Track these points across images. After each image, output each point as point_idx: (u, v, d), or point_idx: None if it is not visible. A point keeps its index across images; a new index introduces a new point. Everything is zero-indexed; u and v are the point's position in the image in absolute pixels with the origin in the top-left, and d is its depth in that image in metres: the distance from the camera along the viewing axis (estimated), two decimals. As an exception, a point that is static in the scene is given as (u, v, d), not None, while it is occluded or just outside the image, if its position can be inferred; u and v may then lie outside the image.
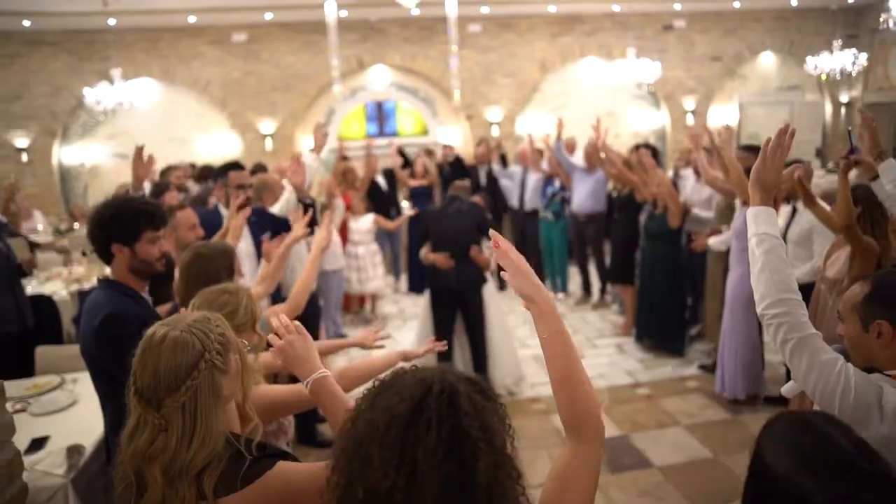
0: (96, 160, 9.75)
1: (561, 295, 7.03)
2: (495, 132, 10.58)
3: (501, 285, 7.34)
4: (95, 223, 2.22)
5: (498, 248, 1.24)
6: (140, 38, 9.41)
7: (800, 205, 3.77)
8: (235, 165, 3.96)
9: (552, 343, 1.16)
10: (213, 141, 10.14)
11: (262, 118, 10.11)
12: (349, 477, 0.90)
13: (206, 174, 6.90)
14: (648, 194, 5.41)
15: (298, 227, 3.01)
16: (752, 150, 4.86)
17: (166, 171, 5.82)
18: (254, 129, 10.12)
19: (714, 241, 4.61)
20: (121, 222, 2.20)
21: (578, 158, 7.57)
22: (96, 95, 8.17)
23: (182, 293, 2.26)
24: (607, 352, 5.37)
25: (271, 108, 10.11)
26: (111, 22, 8.63)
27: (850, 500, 0.95)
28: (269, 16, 9.25)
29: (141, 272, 2.26)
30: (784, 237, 3.85)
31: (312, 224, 3.93)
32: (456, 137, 10.57)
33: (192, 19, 9.04)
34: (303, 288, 2.72)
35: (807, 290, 3.79)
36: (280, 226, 3.95)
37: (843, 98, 11.70)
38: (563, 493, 1.06)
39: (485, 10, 9.78)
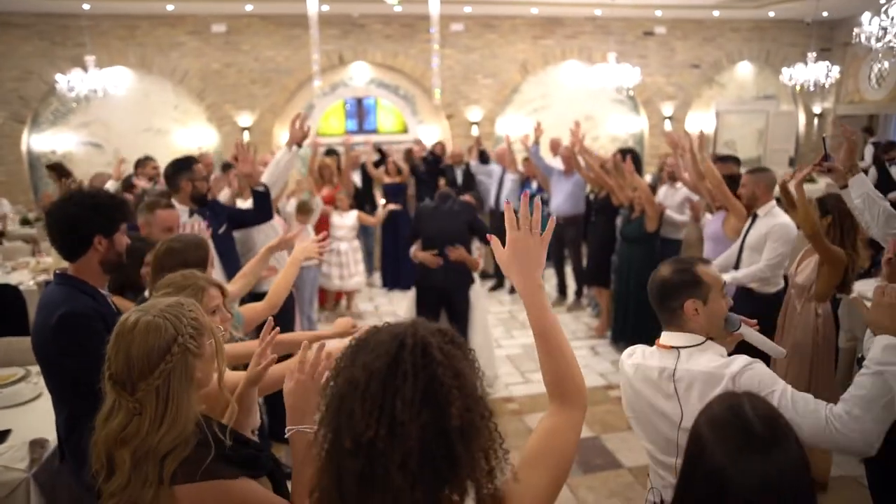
0: (68, 148, 9.54)
1: None
2: (475, 132, 10.60)
3: (497, 284, 7.38)
4: (79, 215, 2.14)
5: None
6: (116, 25, 9.22)
7: (760, 211, 3.83)
8: (193, 160, 3.86)
9: (543, 322, 1.29)
10: (189, 133, 9.99)
11: (241, 111, 9.99)
12: (335, 429, 0.96)
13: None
14: (624, 198, 5.45)
15: (289, 241, 3.00)
16: (730, 159, 4.92)
17: (141, 163, 5.71)
18: (231, 122, 9.99)
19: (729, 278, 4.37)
20: (104, 212, 2.18)
21: (558, 161, 7.63)
22: (69, 82, 7.98)
23: (152, 285, 2.23)
24: (581, 353, 5.40)
25: (250, 102, 9.99)
26: (86, 7, 8.44)
27: (736, 457, 1.05)
28: (249, 7, 9.13)
29: (111, 264, 2.23)
30: (742, 243, 3.94)
31: (267, 211, 3.92)
32: (436, 136, 10.56)
33: (170, 7, 8.89)
34: (281, 288, 2.67)
35: (751, 293, 3.86)
36: (238, 220, 3.94)
37: (817, 109, 11.95)
38: (544, 450, 1.14)
39: (467, 9, 9.79)
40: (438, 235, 4.45)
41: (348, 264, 6.18)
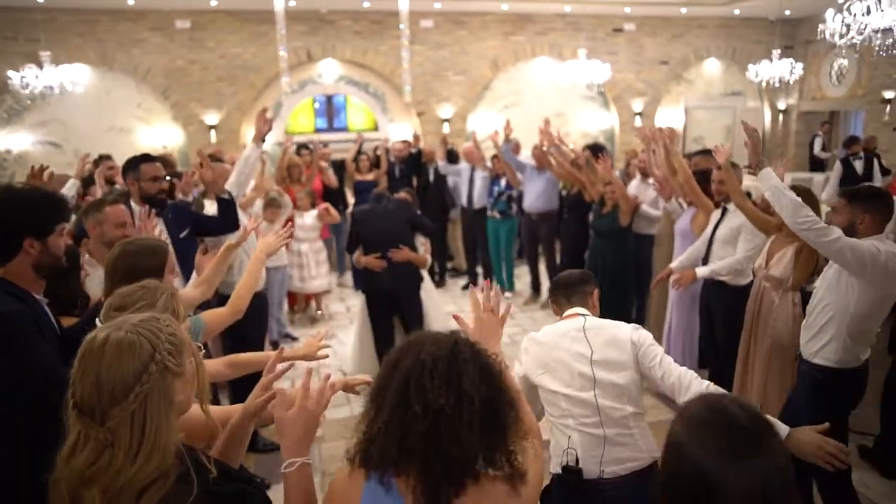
0: (23, 147, 9.20)
1: (508, 294, 7.02)
2: (446, 129, 10.53)
3: (439, 282, 7.31)
4: (7, 216, 2.00)
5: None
6: (75, 20, 8.92)
7: (730, 206, 3.84)
8: (147, 157, 3.68)
9: None
10: (154, 132, 9.72)
11: (207, 109, 9.76)
12: (404, 399, 1.19)
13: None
14: (595, 193, 5.44)
15: (247, 235, 2.87)
16: (706, 153, 4.92)
17: (99, 161, 5.50)
18: (198, 121, 9.76)
19: (701, 271, 4.16)
20: (36, 213, 2.02)
21: (527, 156, 7.60)
22: (23, 79, 7.68)
23: (107, 291, 2.08)
24: None
25: (216, 100, 9.77)
26: (40, 0, 8.14)
27: (725, 464, 1.03)
28: (214, 2, 8.92)
29: (46, 268, 2.07)
30: (712, 237, 3.96)
31: (232, 219, 3.72)
32: (407, 134, 10.46)
33: (131, 2, 8.62)
34: (245, 291, 2.50)
35: (724, 286, 3.88)
36: (201, 228, 3.77)
37: (781, 105, 12.17)
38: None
39: (437, 5, 9.71)
40: (379, 237, 4.30)
41: (309, 266, 5.98)
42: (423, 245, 4.56)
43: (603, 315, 5.26)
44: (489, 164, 6.98)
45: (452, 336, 1.30)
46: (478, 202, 7.05)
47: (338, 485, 1.32)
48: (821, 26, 6.02)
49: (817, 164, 11.69)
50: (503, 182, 6.71)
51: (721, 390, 1.75)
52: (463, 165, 7.53)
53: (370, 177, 7.50)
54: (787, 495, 1.04)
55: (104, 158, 5.63)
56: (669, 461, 1.13)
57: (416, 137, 8.92)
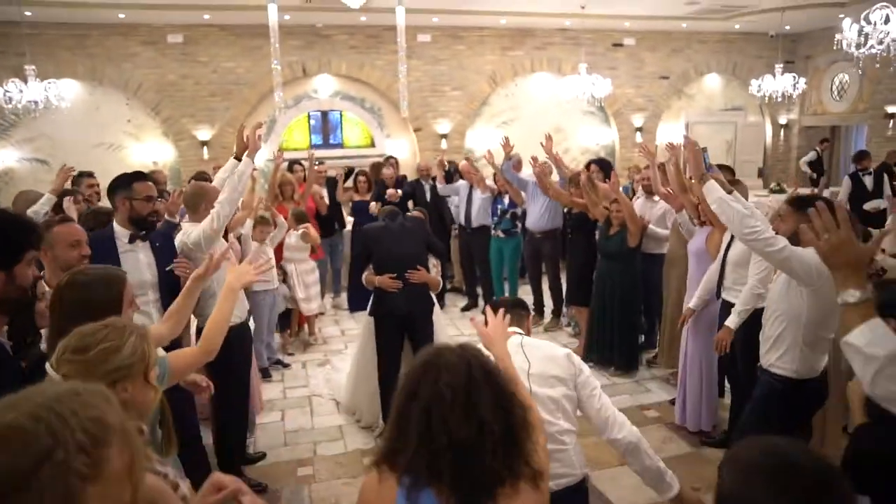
0: (9, 164, 8.96)
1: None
2: (444, 146, 10.34)
3: (440, 303, 7.01)
4: None
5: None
6: (64, 34, 8.72)
7: None
8: (140, 175, 3.43)
9: None
10: (145, 148, 9.50)
11: (199, 125, 9.55)
12: (427, 430, 1.28)
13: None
14: (599, 214, 5.22)
15: (217, 264, 2.49)
16: (723, 168, 4.69)
17: (78, 179, 5.25)
18: (189, 137, 9.54)
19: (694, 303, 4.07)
20: (3, 241, 1.78)
21: (529, 174, 7.38)
22: (6, 93, 7.44)
23: (53, 329, 1.80)
24: None
25: (209, 115, 9.56)
26: (28, 14, 7.94)
27: None
28: (207, 16, 8.74)
29: (10, 303, 1.83)
30: (724, 260, 3.73)
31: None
32: (404, 150, 10.28)
33: (121, 16, 8.44)
34: (216, 327, 2.19)
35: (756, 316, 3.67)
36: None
37: (782, 120, 12.03)
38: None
39: (435, 19, 9.56)
40: (395, 257, 4.01)
41: (295, 287, 5.69)
42: (434, 267, 4.32)
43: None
44: (491, 182, 6.72)
45: (464, 357, 1.38)
46: (476, 221, 6.81)
47: (370, 488, 1.41)
48: (837, 36, 5.80)
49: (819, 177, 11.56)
50: (506, 200, 6.48)
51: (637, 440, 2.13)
52: (461, 183, 7.29)
53: (368, 197, 7.18)
54: None
55: (85, 175, 5.37)
56: None
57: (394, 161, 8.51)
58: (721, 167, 4.58)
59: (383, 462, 1.37)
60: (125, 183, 3.28)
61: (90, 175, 5.47)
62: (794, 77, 9.35)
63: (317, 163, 7.46)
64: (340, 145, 10.32)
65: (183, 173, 9.03)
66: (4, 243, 1.79)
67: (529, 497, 1.34)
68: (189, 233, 3.39)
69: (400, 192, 7.05)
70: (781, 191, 10.38)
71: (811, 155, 10.97)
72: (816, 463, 0.99)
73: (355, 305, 6.72)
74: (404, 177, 7.58)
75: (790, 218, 2.76)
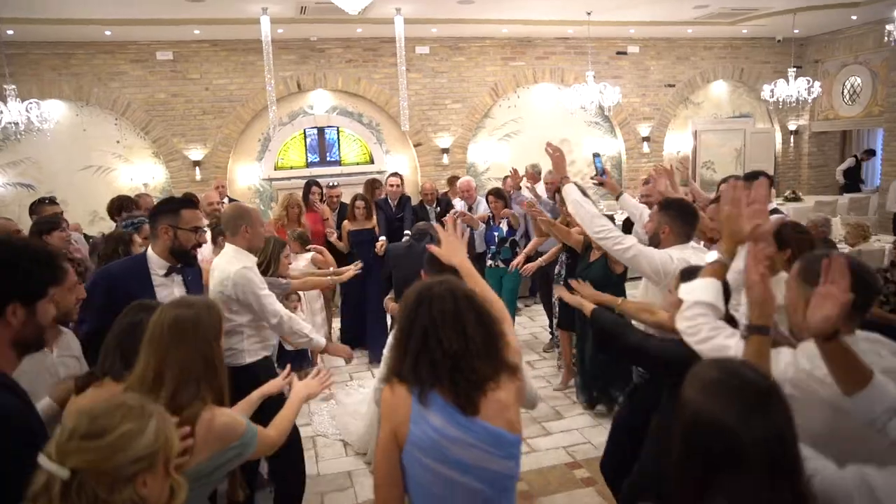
0: (-6, 191, 8.57)
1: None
2: (445, 160, 9.98)
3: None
4: None
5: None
6: (48, 53, 8.36)
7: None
8: (189, 202, 3.09)
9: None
10: (135, 170, 9.11)
11: (191, 145, 9.17)
12: (426, 346, 1.67)
13: (122, 206, 5.95)
14: (575, 242, 4.62)
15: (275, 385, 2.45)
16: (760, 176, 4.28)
17: (34, 208, 4.85)
18: (181, 157, 9.16)
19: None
20: (27, 273, 1.56)
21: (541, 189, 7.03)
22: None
23: (149, 365, 1.79)
24: (543, 412, 4.63)
25: (201, 134, 9.19)
26: (10, 32, 7.57)
27: (746, 418, 1.12)
28: (197, 31, 8.39)
29: (27, 344, 1.60)
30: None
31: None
32: (404, 166, 9.91)
33: (108, 33, 8.08)
34: (283, 427, 2.17)
35: None
36: None
37: (792, 126, 11.70)
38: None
39: (434, 30, 9.23)
40: (415, 281, 3.63)
41: (299, 313, 5.25)
42: None
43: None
44: (518, 209, 5.85)
45: (450, 288, 1.73)
46: (479, 246, 6.34)
47: (387, 400, 1.70)
48: (888, 27, 5.44)
49: (852, 186, 11.30)
50: (504, 227, 5.88)
51: None
52: (459, 204, 6.83)
53: (369, 225, 6.35)
54: (795, 437, 1.17)
55: (45, 202, 4.92)
56: (686, 420, 1.18)
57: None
58: (754, 174, 4.17)
59: (394, 377, 1.71)
60: (172, 209, 2.98)
61: (51, 202, 5.06)
62: (808, 81, 9.03)
63: (330, 185, 7.05)
64: (338, 162, 9.95)
65: (174, 194, 8.63)
66: (27, 277, 1.56)
67: (510, 385, 1.71)
68: (262, 300, 3.10)
69: (384, 241, 6.11)
70: (796, 199, 10.03)
71: (850, 162, 10.64)
72: (761, 377, 1.19)
73: (347, 338, 6.20)
74: (408, 197, 7.05)
75: (654, 218, 2.94)
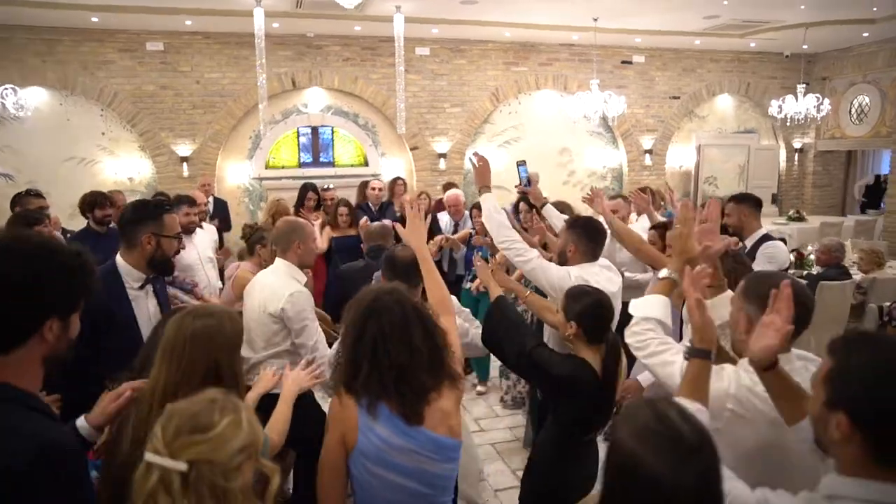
0: (-30, 180, 8.22)
1: (481, 387, 5.36)
2: (442, 166, 9.69)
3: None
4: (34, 281, 1.29)
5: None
6: (33, 38, 8.03)
7: (749, 240, 3.60)
8: (168, 205, 2.95)
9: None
10: (120, 164, 8.78)
11: (179, 139, 8.85)
12: (375, 358, 1.74)
13: (94, 203, 5.59)
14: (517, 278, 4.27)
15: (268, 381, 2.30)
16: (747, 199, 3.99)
17: (23, 198, 4.52)
18: (169, 152, 8.83)
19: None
20: (70, 283, 1.36)
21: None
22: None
23: (167, 375, 1.74)
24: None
25: (190, 129, 8.87)
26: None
27: (677, 468, 1.12)
28: (189, 22, 8.08)
29: (58, 362, 1.40)
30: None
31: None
32: (399, 170, 9.61)
33: (94, 19, 7.76)
34: (280, 432, 2.09)
35: None
36: None
37: (797, 144, 11.47)
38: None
39: (434, 31, 8.95)
40: None
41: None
42: None
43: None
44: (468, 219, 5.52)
45: (399, 300, 1.82)
46: (461, 268, 5.88)
47: (336, 409, 1.80)
48: None
49: (872, 204, 11.12)
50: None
51: None
52: (445, 218, 6.32)
53: (352, 232, 6.00)
54: (719, 480, 1.18)
55: (32, 195, 4.63)
56: (622, 465, 1.19)
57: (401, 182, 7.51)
58: (746, 196, 3.95)
59: (342, 388, 1.78)
60: (153, 215, 2.70)
61: (37, 195, 4.74)
62: (818, 98, 8.79)
63: (325, 188, 6.68)
64: (332, 164, 9.64)
65: (159, 190, 8.30)
66: (70, 287, 1.37)
67: (451, 395, 1.81)
68: (309, 329, 2.91)
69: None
70: (801, 218, 9.78)
71: (869, 178, 10.41)
72: (694, 428, 1.18)
73: None
74: (390, 203, 6.59)
75: (562, 235, 3.02)
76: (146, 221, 2.66)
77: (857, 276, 5.23)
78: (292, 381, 2.23)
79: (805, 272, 5.57)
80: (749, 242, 3.61)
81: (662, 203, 5.96)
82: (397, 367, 1.72)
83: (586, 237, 2.91)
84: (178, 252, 2.84)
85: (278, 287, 2.87)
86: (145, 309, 2.65)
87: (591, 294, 2.40)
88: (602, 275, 2.84)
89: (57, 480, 1.19)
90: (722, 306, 1.96)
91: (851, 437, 1.20)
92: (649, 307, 1.96)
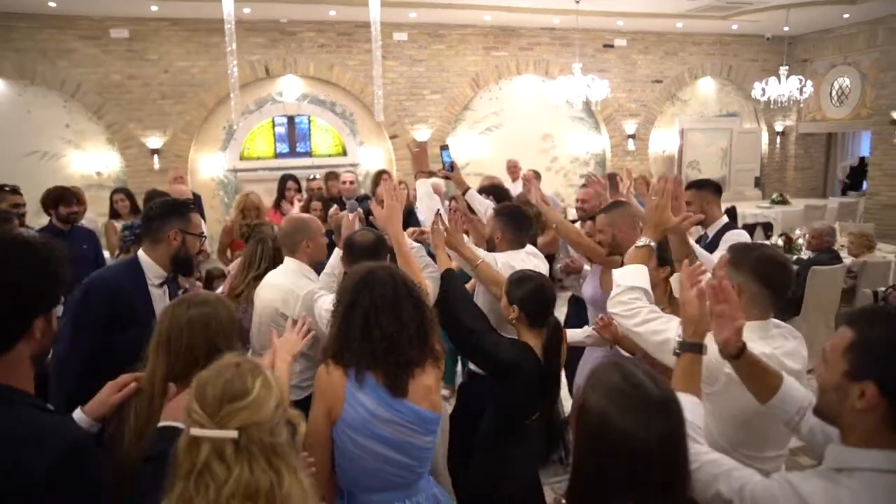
0: (-74, 177, 7.79)
1: (445, 391, 4.61)
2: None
3: None
4: (25, 278, 1.31)
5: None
6: (-13, 26, 7.63)
7: (710, 230, 3.33)
8: (184, 204, 2.79)
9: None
10: (87, 158, 8.41)
11: (149, 131, 8.50)
12: (366, 328, 1.79)
13: (60, 198, 5.27)
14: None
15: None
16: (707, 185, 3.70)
17: None
18: (137, 144, 8.48)
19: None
20: (54, 276, 1.37)
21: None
22: None
23: (167, 363, 1.72)
24: None
25: (160, 120, 8.52)
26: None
27: (644, 425, 1.19)
28: (155, 8, 7.71)
29: (42, 357, 1.46)
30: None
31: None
32: (379, 159, 9.37)
33: (52, 4, 7.36)
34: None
35: None
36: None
37: (779, 127, 11.43)
38: None
39: (412, 15, 8.68)
40: None
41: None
42: None
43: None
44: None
45: (391, 274, 1.88)
46: None
47: (323, 379, 1.83)
48: None
49: (854, 185, 11.17)
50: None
51: None
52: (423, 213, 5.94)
53: (325, 227, 5.64)
54: (684, 438, 1.26)
55: (7, 191, 4.33)
56: (592, 426, 1.24)
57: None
58: (707, 182, 3.63)
59: (331, 358, 1.83)
60: (181, 211, 2.68)
61: (14, 191, 4.45)
62: (801, 80, 8.71)
63: (310, 178, 6.28)
64: (309, 154, 9.36)
65: (131, 186, 7.92)
66: (51, 283, 1.38)
67: (433, 373, 1.89)
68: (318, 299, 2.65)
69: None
70: (784, 202, 9.75)
71: (853, 160, 10.40)
72: (659, 387, 1.24)
73: None
74: (365, 196, 6.19)
75: (490, 222, 3.06)
76: (174, 217, 2.64)
77: (847, 259, 5.14)
78: (283, 346, 2.08)
79: (795, 257, 5.48)
80: (711, 232, 3.25)
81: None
82: (388, 339, 1.77)
83: (513, 225, 2.92)
84: (199, 252, 2.81)
85: (294, 288, 2.75)
86: (161, 307, 2.57)
87: (534, 279, 2.43)
88: (529, 262, 2.83)
89: (86, 475, 1.27)
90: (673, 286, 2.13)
91: (876, 407, 1.22)
92: (633, 276, 2.01)
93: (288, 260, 2.92)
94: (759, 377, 1.59)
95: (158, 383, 1.69)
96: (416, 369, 1.82)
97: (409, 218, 5.78)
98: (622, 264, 2.65)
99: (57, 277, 1.38)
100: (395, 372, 1.78)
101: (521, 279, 2.43)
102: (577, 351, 2.97)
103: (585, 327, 2.92)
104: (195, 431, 1.21)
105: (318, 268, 2.89)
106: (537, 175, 6.75)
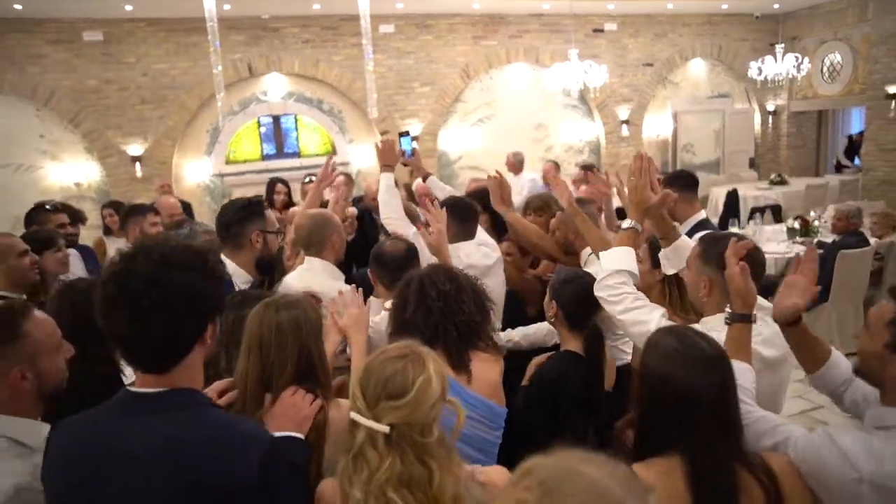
0: None
1: None
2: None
3: None
4: (204, 287, 1.31)
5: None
6: (-49, 34, 7.20)
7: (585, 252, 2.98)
8: (257, 204, 2.71)
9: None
10: (65, 168, 8.01)
11: (129, 138, 8.12)
12: (422, 291, 1.86)
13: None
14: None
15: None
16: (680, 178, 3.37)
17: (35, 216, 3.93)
18: (118, 152, 8.11)
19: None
20: (220, 285, 1.39)
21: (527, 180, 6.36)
22: None
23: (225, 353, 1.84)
24: None
25: (140, 126, 8.15)
26: None
27: (703, 376, 1.37)
28: (129, 7, 7.33)
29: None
30: None
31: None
32: (369, 157, 9.07)
33: (18, 7, 6.94)
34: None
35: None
36: None
37: (770, 106, 11.32)
38: None
39: (399, 6, 8.39)
40: None
41: None
42: None
43: None
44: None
45: (450, 270, 2.01)
46: None
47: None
48: None
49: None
50: None
51: None
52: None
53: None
54: (735, 387, 1.42)
55: (47, 210, 4.02)
56: (654, 383, 1.42)
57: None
58: (677, 176, 3.32)
59: (395, 334, 1.86)
60: (257, 211, 2.60)
61: (56, 209, 4.15)
62: (797, 58, 8.58)
63: (305, 180, 5.95)
64: (297, 154, 9.04)
65: (113, 196, 7.56)
66: (220, 288, 1.41)
67: (496, 368, 1.91)
68: None
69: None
70: (783, 182, 9.63)
71: (844, 142, 10.33)
72: (712, 346, 1.44)
73: None
74: (359, 198, 5.82)
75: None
76: (253, 219, 2.58)
77: (872, 241, 4.99)
78: (354, 329, 2.06)
79: (815, 240, 5.32)
80: (683, 229, 2.79)
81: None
82: (443, 294, 1.84)
83: (457, 217, 2.88)
84: (280, 248, 2.76)
85: (327, 291, 2.45)
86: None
87: (579, 280, 2.33)
88: (478, 252, 2.85)
89: (287, 467, 1.36)
90: (676, 256, 2.15)
91: None
92: (620, 259, 2.01)
93: (310, 260, 2.64)
94: (809, 347, 1.69)
95: (252, 386, 1.66)
96: (472, 352, 1.85)
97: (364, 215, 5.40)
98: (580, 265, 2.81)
99: (223, 284, 1.43)
100: (454, 338, 1.82)
101: (568, 279, 2.36)
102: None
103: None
104: (354, 416, 1.27)
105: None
106: (556, 166, 6.54)
